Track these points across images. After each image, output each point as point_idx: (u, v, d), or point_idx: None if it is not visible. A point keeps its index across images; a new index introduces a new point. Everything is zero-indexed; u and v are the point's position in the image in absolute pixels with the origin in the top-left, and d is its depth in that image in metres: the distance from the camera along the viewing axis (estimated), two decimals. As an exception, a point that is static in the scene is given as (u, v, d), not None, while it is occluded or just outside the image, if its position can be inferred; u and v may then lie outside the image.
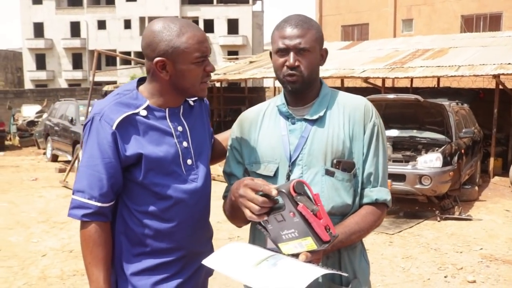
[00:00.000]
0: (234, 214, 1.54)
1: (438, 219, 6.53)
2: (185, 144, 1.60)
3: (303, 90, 1.55)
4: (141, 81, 1.64)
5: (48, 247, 5.28)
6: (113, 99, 1.56)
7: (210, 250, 1.71)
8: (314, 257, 1.30)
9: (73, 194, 1.54)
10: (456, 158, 7.04)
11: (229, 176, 1.69)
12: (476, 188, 8.22)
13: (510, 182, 8.85)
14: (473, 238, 5.74)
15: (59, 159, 12.36)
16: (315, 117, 1.55)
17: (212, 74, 1.63)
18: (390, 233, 5.90)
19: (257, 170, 1.59)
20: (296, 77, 1.52)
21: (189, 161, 1.60)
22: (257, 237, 1.60)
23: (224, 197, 1.68)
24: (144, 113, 1.54)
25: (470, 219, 6.56)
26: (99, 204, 1.50)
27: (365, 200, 1.55)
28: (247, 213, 1.32)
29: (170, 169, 1.55)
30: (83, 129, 1.59)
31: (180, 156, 1.58)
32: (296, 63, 1.51)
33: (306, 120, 1.56)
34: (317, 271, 1.24)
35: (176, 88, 1.56)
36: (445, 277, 4.50)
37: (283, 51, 1.52)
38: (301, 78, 1.52)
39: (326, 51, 1.61)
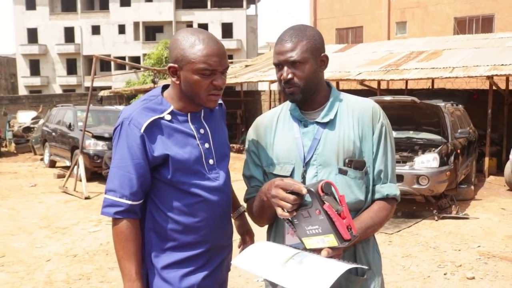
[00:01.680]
0: (263, 214, 1.65)
1: (436, 218, 6.63)
2: (207, 145, 1.70)
3: (304, 98, 1.65)
4: (165, 87, 1.75)
5: (52, 252, 5.33)
6: (140, 104, 1.67)
7: (231, 244, 1.84)
8: (335, 253, 1.42)
9: (105, 193, 1.64)
10: (452, 158, 7.15)
11: (249, 179, 1.80)
12: (472, 187, 8.34)
13: (505, 181, 8.98)
14: (471, 236, 5.85)
15: (57, 165, 12.38)
16: (326, 120, 1.65)
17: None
18: (389, 233, 5.99)
19: (274, 171, 1.69)
20: (292, 88, 1.63)
21: (211, 161, 1.70)
22: (277, 235, 1.70)
23: (246, 199, 1.80)
24: (168, 117, 1.65)
25: (467, 218, 6.67)
26: (129, 202, 1.60)
27: (376, 196, 1.66)
28: (279, 211, 1.43)
29: (195, 169, 1.66)
30: (113, 133, 1.70)
31: (203, 156, 1.68)
32: (290, 76, 1.61)
33: (317, 123, 1.66)
34: (341, 267, 1.34)
35: (185, 95, 1.66)
36: (444, 274, 4.59)
37: (279, 66, 1.65)
38: (297, 88, 1.63)
39: (326, 57, 1.68)
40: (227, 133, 1.87)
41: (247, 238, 2.01)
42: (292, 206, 1.41)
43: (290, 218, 1.44)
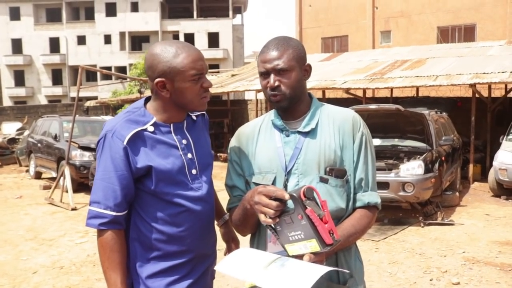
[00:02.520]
0: (246, 222, 1.67)
1: (422, 224, 6.71)
2: (189, 155, 1.73)
3: (289, 106, 1.68)
4: (148, 99, 1.78)
5: (39, 264, 5.28)
6: (123, 116, 1.70)
7: (215, 252, 1.87)
8: (317, 258, 1.44)
9: (89, 205, 1.67)
10: (437, 165, 7.26)
11: (231, 188, 1.82)
12: (457, 194, 8.45)
13: (489, 187, 9.12)
14: (456, 242, 5.93)
15: (43, 176, 12.26)
16: (307, 129, 1.68)
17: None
18: (376, 240, 6.05)
19: (256, 181, 1.72)
20: (279, 96, 1.66)
21: (194, 171, 1.73)
22: (260, 244, 1.72)
23: (229, 209, 1.82)
24: (151, 129, 1.68)
25: (452, 224, 6.76)
26: (114, 213, 1.63)
27: (358, 204, 1.69)
28: (262, 217, 1.46)
29: (178, 179, 1.68)
30: (96, 145, 1.73)
31: (186, 166, 1.71)
32: (276, 83, 1.64)
33: (299, 132, 1.69)
34: (322, 269, 1.36)
35: (177, 105, 1.69)
36: (430, 280, 4.65)
37: (265, 74, 1.67)
38: (283, 96, 1.66)
39: (309, 66, 1.73)
40: (210, 143, 1.90)
41: (233, 245, 2.04)
42: (274, 212, 1.43)
43: (273, 225, 1.47)
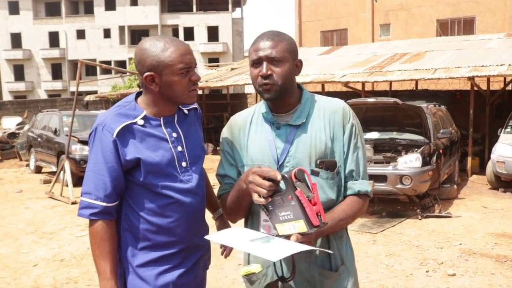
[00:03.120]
0: (239, 204, 1.70)
1: (419, 217, 6.76)
2: (179, 148, 1.77)
3: (279, 98, 1.69)
4: (140, 93, 1.81)
5: (39, 257, 5.33)
6: (114, 110, 1.75)
7: (207, 243, 1.89)
8: (304, 239, 1.48)
9: (81, 196, 1.72)
10: (434, 158, 7.30)
11: (223, 177, 1.85)
12: (455, 186, 8.50)
13: (487, 180, 9.16)
14: (453, 234, 5.98)
15: (43, 170, 12.31)
16: (298, 122, 1.71)
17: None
18: (373, 232, 6.10)
19: None
20: (270, 85, 1.65)
21: (183, 164, 1.77)
22: (253, 228, 1.76)
23: (219, 196, 1.86)
24: (141, 122, 1.72)
25: (449, 216, 6.81)
26: (104, 204, 1.68)
27: (348, 192, 1.72)
28: (255, 196, 1.51)
29: (167, 171, 1.72)
30: (88, 138, 1.78)
31: (176, 159, 1.75)
32: (269, 72, 1.64)
33: (290, 125, 1.71)
34: (300, 247, 1.43)
35: (166, 98, 1.73)
36: (426, 271, 4.70)
37: (257, 62, 1.68)
38: (275, 86, 1.65)
39: (300, 62, 1.75)
40: (202, 136, 1.92)
41: None
42: (267, 192, 1.48)
43: (265, 205, 1.52)
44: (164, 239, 1.73)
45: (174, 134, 1.76)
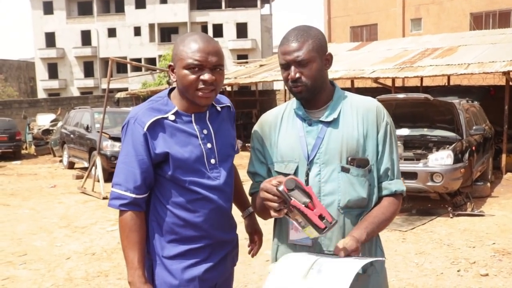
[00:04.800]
0: (265, 210, 1.67)
1: (451, 215, 6.61)
2: (209, 145, 1.77)
3: (311, 96, 1.69)
4: (173, 89, 1.84)
5: (72, 250, 5.47)
6: (146, 105, 1.78)
7: (234, 239, 1.92)
8: (352, 250, 1.49)
9: (112, 187, 1.75)
10: (467, 155, 7.12)
11: (253, 175, 1.85)
12: (489, 184, 8.27)
13: (522, 178, 8.88)
14: (486, 233, 5.82)
15: (76, 166, 12.61)
16: (330, 119, 1.69)
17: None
18: (403, 230, 6.01)
19: (279, 169, 1.74)
20: (300, 87, 1.66)
21: (212, 161, 1.77)
22: (282, 231, 1.79)
23: (251, 194, 1.87)
24: (172, 117, 1.74)
25: (482, 215, 6.64)
26: (133, 196, 1.70)
27: (384, 192, 1.71)
28: (271, 212, 1.52)
29: (195, 167, 1.73)
30: (121, 131, 1.81)
31: (205, 156, 1.75)
32: (297, 75, 1.65)
33: (321, 121, 1.70)
34: (357, 264, 1.41)
35: (181, 92, 1.75)
36: (458, 271, 4.60)
37: (285, 66, 1.68)
38: (305, 87, 1.66)
39: (330, 55, 1.72)
40: (234, 135, 1.93)
41: (256, 237, 2.08)
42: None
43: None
44: (191, 233, 1.75)
45: (205, 131, 1.77)
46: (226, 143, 1.84)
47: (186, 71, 1.67)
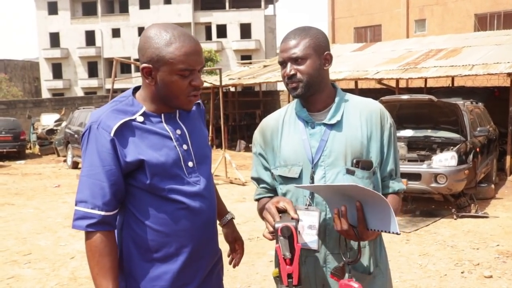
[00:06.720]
0: None
1: (455, 217, 6.60)
2: (185, 147, 1.60)
3: (307, 94, 1.68)
4: (137, 88, 1.65)
5: (76, 250, 5.49)
6: (109, 106, 1.56)
7: (219, 252, 1.77)
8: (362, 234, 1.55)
9: (76, 205, 1.51)
10: (471, 156, 7.11)
11: (257, 180, 1.85)
12: (493, 186, 8.26)
13: (527, 179, 8.86)
14: (490, 235, 5.81)
15: (80, 166, 12.61)
16: (333, 121, 1.68)
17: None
18: (407, 231, 6.00)
19: (282, 173, 1.72)
20: (295, 83, 1.66)
21: (190, 164, 1.60)
22: None
23: (256, 200, 1.86)
24: (141, 119, 1.54)
25: (486, 217, 6.62)
26: (102, 213, 1.48)
27: (387, 191, 1.74)
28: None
29: (173, 172, 1.55)
30: (81, 139, 1.57)
31: (181, 159, 1.58)
32: (292, 72, 1.65)
33: (325, 124, 1.69)
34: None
35: (162, 98, 1.56)
36: (461, 272, 4.59)
37: (283, 64, 1.70)
38: (300, 83, 1.65)
39: (330, 55, 1.71)
40: (207, 134, 1.78)
41: (236, 246, 1.92)
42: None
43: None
44: (173, 250, 1.56)
45: (178, 131, 1.60)
46: (202, 144, 1.68)
47: (176, 77, 1.49)
